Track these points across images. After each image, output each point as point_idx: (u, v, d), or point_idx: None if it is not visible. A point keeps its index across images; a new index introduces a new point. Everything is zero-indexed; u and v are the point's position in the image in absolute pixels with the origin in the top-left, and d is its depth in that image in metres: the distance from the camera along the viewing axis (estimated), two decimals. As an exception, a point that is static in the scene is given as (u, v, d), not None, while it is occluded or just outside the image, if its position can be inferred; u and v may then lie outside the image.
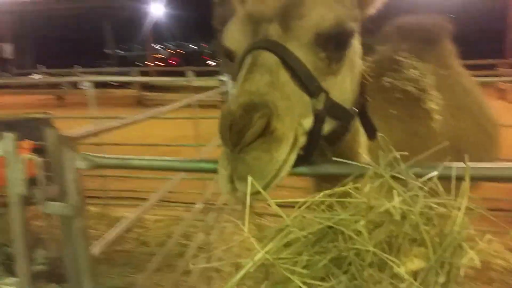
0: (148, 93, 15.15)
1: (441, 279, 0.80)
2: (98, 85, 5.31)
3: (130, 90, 15.54)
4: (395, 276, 0.79)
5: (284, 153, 0.97)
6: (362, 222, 0.84)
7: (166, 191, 2.75)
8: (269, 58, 1.02)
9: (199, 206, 3.65)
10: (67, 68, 18.65)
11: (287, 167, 0.99)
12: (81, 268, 1.45)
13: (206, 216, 4.84)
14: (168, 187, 2.87)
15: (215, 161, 1.24)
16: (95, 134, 1.74)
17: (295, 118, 1.01)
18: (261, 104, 0.93)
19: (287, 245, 0.86)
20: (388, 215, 0.83)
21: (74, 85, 17.76)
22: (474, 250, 0.83)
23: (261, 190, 0.90)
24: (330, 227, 0.86)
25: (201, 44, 47.78)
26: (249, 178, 0.88)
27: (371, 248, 0.80)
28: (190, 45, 50.98)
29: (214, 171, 1.15)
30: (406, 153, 0.98)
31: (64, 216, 1.47)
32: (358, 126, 1.37)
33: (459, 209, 0.85)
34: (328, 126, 1.15)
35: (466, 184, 0.88)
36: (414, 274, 0.79)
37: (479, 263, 0.81)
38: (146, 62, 24.44)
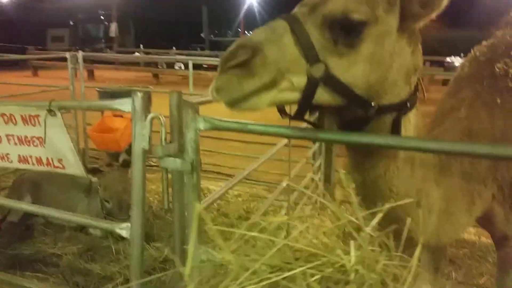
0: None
1: None
2: (192, 66, 5.63)
3: (220, 73, 16.11)
4: None
5: (253, 86, 1.19)
6: (316, 277, 0.91)
7: (252, 169, 2.84)
8: (281, 24, 1.25)
9: (281, 186, 3.70)
10: (164, 49, 19.84)
11: (257, 101, 1.21)
12: (189, 220, 1.58)
13: (286, 197, 4.95)
14: (255, 165, 2.96)
15: (333, 131, 1.27)
16: (210, 101, 1.86)
17: (281, 68, 1.21)
18: (251, 46, 1.19)
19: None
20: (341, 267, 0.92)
21: (170, 65, 18.87)
22: None
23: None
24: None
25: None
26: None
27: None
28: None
29: (333, 141, 1.18)
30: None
31: (179, 172, 1.61)
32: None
33: (409, 271, 0.95)
34: (327, 97, 1.27)
35: (418, 249, 1.02)
36: None
37: None
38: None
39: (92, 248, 3.70)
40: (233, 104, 1.22)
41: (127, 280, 3.24)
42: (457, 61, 16.35)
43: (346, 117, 1.37)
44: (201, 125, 1.51)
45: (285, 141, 3.59)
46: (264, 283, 0.94)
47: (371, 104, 1.32)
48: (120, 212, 3.77)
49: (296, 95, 1.25)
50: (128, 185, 3.98)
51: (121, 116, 5.62)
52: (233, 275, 0.98)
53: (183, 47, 25.09)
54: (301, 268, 0.94)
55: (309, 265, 0.94)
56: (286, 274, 0.93)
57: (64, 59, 5.23)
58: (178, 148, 1.60)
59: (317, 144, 4.87)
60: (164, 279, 3.38)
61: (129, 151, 4.92)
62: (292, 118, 1.33)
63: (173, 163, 1.56)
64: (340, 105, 1.31)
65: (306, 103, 1.26)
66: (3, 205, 3.58)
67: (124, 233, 1.65)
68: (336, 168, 5.34)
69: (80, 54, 5.38)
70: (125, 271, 3.32)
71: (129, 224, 1.65)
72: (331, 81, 1.24)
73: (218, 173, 6.09)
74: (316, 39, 1.24)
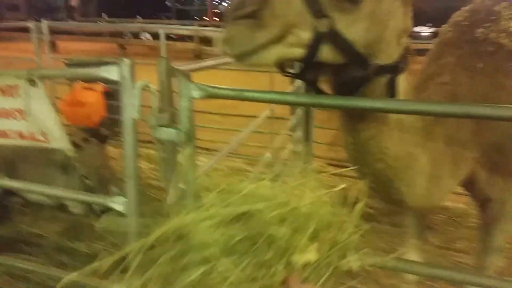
0: (207, 47, 15.28)
1: (326, 273, 1.00)
2: (158, 37, 5.42)
3: (190, 43, 15.72)
4: (289, 263, 0.95)
5: (264, 38, 1.17)
6: (274, 212, 0.98)
7: (237, 142, 2.81)
8: None
9: (264, 158, 3.70)
10: (128, 18, 19.03)
11: (266, 55, 1.20)
12: (188, 192, 1.54)
13: (268, 170, 4.97)
14: (239, 137, 2.93)
15: (333, 96, 1.24)
16: (197, 69, 1.79)
17: (288, 22, 1.19)
18: None
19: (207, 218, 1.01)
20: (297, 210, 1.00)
21: (135, 35, 18.18)
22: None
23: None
24: (244, 213, 1.01)
25: None
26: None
27: (279, 232, 0.94)
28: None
29: (333, 107, 1.16)
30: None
31: (173, 142, 1.56)
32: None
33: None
34: (330, 54, 1.27)
35: (360, 205, 1.09)
36: (305, 265, 0.96)
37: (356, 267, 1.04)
38: (204, 17, 24.42)
39: (74, 227, 3.62)
40: (242, 57, 1.19)
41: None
42: (423, 30, 16.54)
43: (344, 76, 1.37)
44: (195, 93, 1.45)
45: (266, 112, 3.56)
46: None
47: (369, 63, 1.33)
48: (100, 188, 3.68)
49: (301, 52, 1.24)
50: (106, 160, 3.87)
51: (91, 89, 5.40)
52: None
53: (148, 16, 24.17)
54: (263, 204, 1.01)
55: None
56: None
57: (24, 30, 4.92)
58: (170, 118, 1.55)
59: (295, 116, 4.86)
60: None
61: (105, 125, 4.77)
62: (295, 76, 1.33)
63: (167, 133, 1.50)
64: (341, 63, 1.31)
65: (309, 60, 1.25)
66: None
67: (120, 208, 1.60)
68: (315, 140, 5.38)
69: (45, 23, 5.07)
70: (111, 248, 3.27)
71: (125, 199, 1.60)
72: (335, 37, 1.24)
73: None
74: None
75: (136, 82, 1.55)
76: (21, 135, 1.72)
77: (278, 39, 1.20)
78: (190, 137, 1.49)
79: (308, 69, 1.34)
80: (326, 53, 1.25)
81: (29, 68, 1.55)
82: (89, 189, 3.74)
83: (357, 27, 1.27)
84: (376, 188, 1.63)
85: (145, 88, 1.56)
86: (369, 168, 1.54)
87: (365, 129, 1.48)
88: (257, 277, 0.94)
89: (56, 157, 3.99)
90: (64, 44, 17.83)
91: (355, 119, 1.48)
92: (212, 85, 1.46)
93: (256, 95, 1.40)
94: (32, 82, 1.54)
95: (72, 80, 5.62)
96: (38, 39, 5.25)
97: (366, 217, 1.08)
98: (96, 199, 1.72)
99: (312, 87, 1.38)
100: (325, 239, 1.00)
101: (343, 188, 1.13)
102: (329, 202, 1.07)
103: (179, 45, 15.94)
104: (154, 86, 1.54)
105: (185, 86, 1.45)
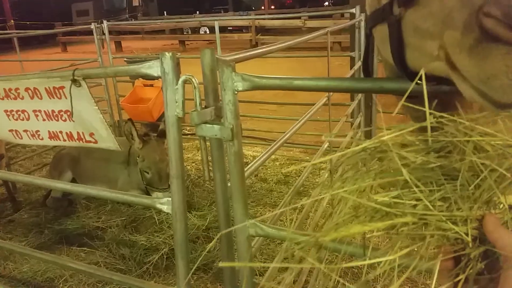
0: (263, 36, 15.23)
1: None
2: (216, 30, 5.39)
3: (246, 34, 15.76)
4: (489, 202, 0.78)
5: None
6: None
7: (293, 131, 2.66)
8: None
9: (323, 146, 3.51)
10: (188, 15, 19.47)
11: None
12: (233, 191, 1.44)
13: (326, 160, 4.78)
14: (296, 126, 2.77)
15: (397, 80, 1.06)
16: (247, 59, 1.66)
17: None
18: None
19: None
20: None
21: (194, 30, 18.55)
22: None
23: None
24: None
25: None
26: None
27: (487, 163, 0.74)
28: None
29: (399, 91, 0.98)
30: None
31: (218, 139, 1.45)
32: None
33: None
34: None
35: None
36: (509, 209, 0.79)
37: None
38: (262, 7, 24.29)
39: (135, 220, 3.71)
40: None
41: (172, 250, 3.22)
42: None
43: None
44: (239, 85, 1.33)
45: (324, 99, 3.36)
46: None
47: None
48: (160, 182, 3.73)
49: None
50: (165, 154, 3.92)
51: (152, 86, 5.53)
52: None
53: (206, 11, 24.57)
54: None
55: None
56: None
57: (91, 32, 5.13)
58: (215, 113, 1.44)
59: (355, 101, 4.60)
60: (208, 247, 3.35)
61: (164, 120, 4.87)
62: None
63: (211, 130, 1.40)
64: None
65: None
66: (43, 185, 3.62)
67: (166, 208, 1.54)
68: (377, 125, 5.07)
69: (105, 24, 5.24)
70: (170, 241, 3.30)
71: (169, 199, 1.54)
72: None
73: (250, 137, 5.97)
74: None
75: (179, 78, 1.46)
76: (70, 137, 1.72)
77: None
78: (235, 133, 1.38)
79: None
80: None
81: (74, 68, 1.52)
82: (150, 183, 3.81)
83: None
84: None
85: (189, 83, 1.46)
86: None
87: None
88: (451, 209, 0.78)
89: (118, 152, 4.11)
90: (128, 43, 18.69)
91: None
92: (258, 75, 1.33)
93: (307, 83, 1.24)
94: (76, 82, 1.52)
95: (132, 78, 5.80)
96: (101, 40, 5.45)
97: None
98: (142, 200, 1.66)
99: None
100: None
101: None
102: None
103: (236, 36, 16.05)
104: (196, 81, 1.44)
105: (228, 78, 1.33)
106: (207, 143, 1.48)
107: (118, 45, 18.38)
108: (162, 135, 3.91)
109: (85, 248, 3.31)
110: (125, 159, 4.09)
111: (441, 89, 0.91)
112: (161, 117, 5.21)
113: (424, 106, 0.76)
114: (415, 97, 0.81)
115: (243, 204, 1.45)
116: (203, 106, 1.43)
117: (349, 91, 2.81)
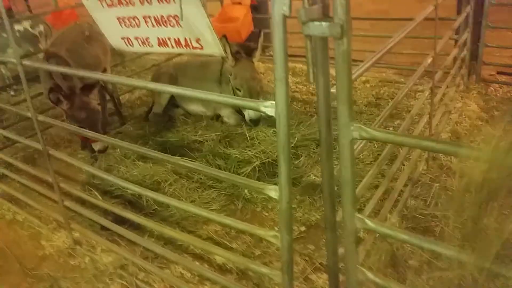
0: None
1: None
2: None
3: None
4: None
5: None
6: None
7: (386, 50, 2.47)
8: None
9: (422, 66, 3.25)
10: None
11: None
12: (338, 93, 1.41)
13: (423, 81, 4.46)
14: (389, 45, 2.57)
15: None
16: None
17: None
18: None
19: None
20: None
21: None
22: None
23: None
24: None
25: None
26: None
27: None
28: None
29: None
30: None
31: (323, 39, 1.41)
32: None
33: None
34: None
35: None
36: None
37: None
38: None
39: (228, 136, 3.89)
40: None
41: (263, 164, 3.37)
42: None
43: None
44: (353, -23, 1.24)
45: (429, 9, 3.04)
46: None
47: None
48: (251, 99, 3.81)
49: None
50: (256, 73, 3.95)
51: (240, 4, 5.46)
52: None
53: None
54: None
55: None
56: None
57: None
58: (323, 11, 1.38)
59: (463, 14, 4.11)
60: (297, 163, 3.44)
61: (253, 39, 4.84)
62: None
63: (319, 28, 1.35)
64: None
65: None
66: (155, 89, 3.91)
67: (269, 111, 1.57)
68: (487, 43, 4.54)
69: None
70: (261, 155, 3.44)
71: (273, 102, 1.56)
72: None
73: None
74: None
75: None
76: (178, 43, 1.78)
77: None
78: (345, 30, 1.31)
79: None
80: None
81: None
82: (241, 101, 3.91)
83: None
84: None
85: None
86: None
87: None
88: None
89: (211, 71, 4.24)
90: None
91: None
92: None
93: None
94: (183, -16, 1.53)
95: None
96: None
97: None
98: (247, 103, 1.71)
99: None
100: None
101: None
102: None
103: None
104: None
105: (339, -31, 1.25)
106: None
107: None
108: (252, 54, 3.93)
109: (185, 158, 3.59)
110: (217, 78, 4.21)
111: None
112: (250, 37, 5.18)
113: None
114: None
115: (348, 106, 1.42)
116: (310, 3, 1.38)
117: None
